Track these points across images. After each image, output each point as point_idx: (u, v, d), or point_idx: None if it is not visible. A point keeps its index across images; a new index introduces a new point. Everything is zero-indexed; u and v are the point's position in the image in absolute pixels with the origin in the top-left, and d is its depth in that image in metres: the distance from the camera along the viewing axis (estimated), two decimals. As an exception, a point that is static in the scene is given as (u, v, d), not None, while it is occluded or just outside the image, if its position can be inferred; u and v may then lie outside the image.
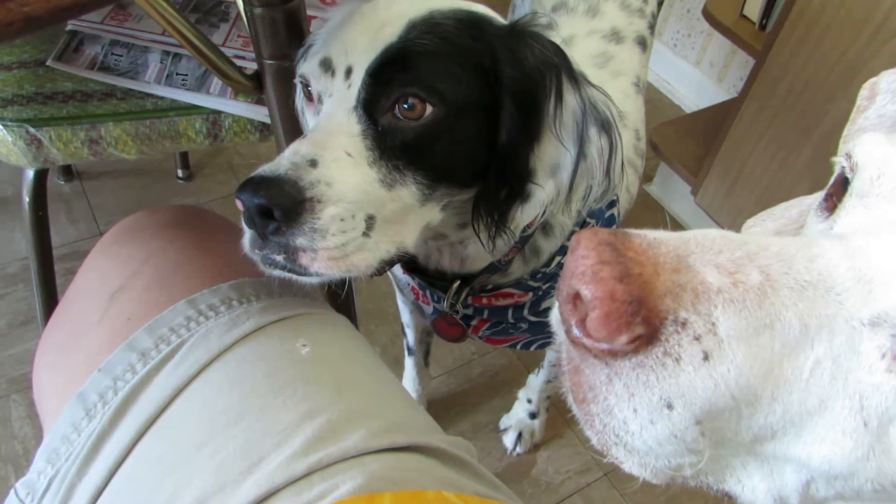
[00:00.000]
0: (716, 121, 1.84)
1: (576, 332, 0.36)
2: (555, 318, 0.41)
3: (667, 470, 0.39)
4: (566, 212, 0.77)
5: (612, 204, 0.95)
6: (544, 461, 1.58)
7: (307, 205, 0.61)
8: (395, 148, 0.67)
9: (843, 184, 0.45)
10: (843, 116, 0.57)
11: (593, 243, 0.35)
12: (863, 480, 0.37)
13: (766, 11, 1.73)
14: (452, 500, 0.52)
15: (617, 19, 1.19)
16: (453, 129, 0.68)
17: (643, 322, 0.34)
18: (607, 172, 0.75)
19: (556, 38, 0.74)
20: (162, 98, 1.11)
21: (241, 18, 1.22)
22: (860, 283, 0.36)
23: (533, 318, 0.96)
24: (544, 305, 0.95)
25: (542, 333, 1.00)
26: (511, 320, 0.96)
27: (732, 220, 1.80)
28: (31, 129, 1.03)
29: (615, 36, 1.18)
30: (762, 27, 1.75)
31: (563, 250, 0.89)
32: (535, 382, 1.50)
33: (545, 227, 0.87)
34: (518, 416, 1.56)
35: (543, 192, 0.73)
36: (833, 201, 0.46)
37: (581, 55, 1.15)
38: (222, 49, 1.16)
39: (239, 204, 0.62)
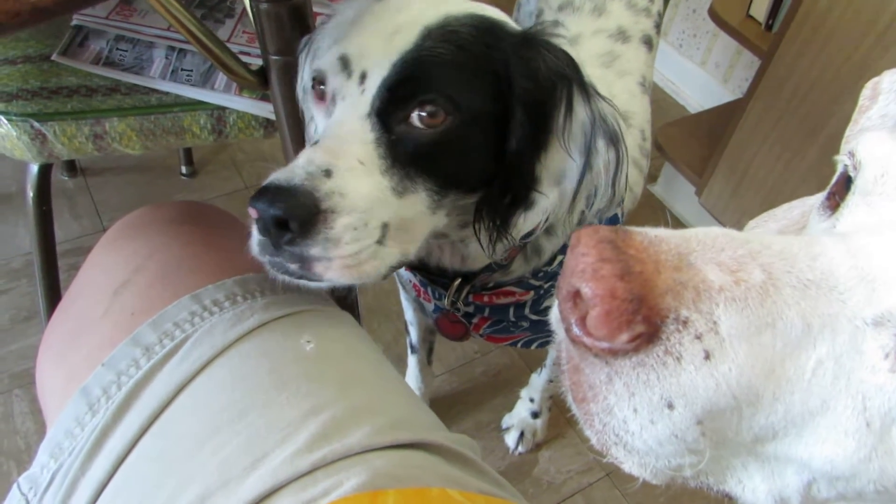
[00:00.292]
0: (721, 121, 1.84)
1: (576, 330, 0.35)
2: (554, 316, 0.40)
3: (667, 470, 0.39)
4: (567, 221, 0.77)
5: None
6: (546, 461, 1.57)
7: (322, 216, 0.61)
8: (407, 156, 0.67)
9: (846, 182, 0.45)
10: (849, 118, 0.57)
11: (594, 240, 0.35)
12: (865, 481, 0.36)
13: (773, 12, 1.72)
14: (456, 498, 0.52)
15: (623, 18, 1.18)
16: (466, 138, 0.69)
17: (644, 320, 0.34)
18: (612, 184, 0.75)
19: (563, 37, 0.74)
20: (166, 93, 1.11)
21: (247, 14, 1.22)
22: (863, 283, 0.36)
23: (534, 317, 0.96)
24: (545, 304, 0.94)
25: (542, 332, 1.00)
26: (512, 318, 0.96)
27: (737, 222, 1.79)
28: (36, 124, 1.03)
29: (621, 35, 1.17)
30: (768, 27, 1.75)
31: (564, 249, 0.89)
32: (537, 381, 1.50)
33: (548, 228, 0.87)
34: (520, 415, 1.56)
35: (547, 201, 0.73)
36: (835, 200, 0.46)
37: (587, 54, 1.14)
38: (227, 45, 1.16)
39: (253, 212, 0.61)
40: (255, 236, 0.64)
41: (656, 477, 0.39)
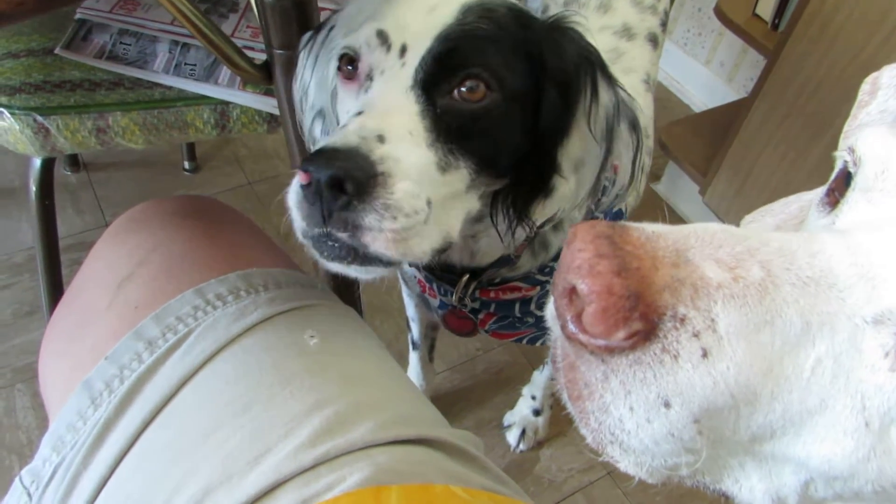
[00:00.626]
0: (725, 120, 1.83)
1: (571, 327, 0.35)
2: (550, 313, 0.40)
3: (663, 469, 0.38)
4: (574, 216, 0.77)
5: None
6: (547, 458, 1.57)
7: (380, 179, 0.59)
8: (450, 130, 0.66)
9: (846, 179, 0.44)
10: (854, 118, 0.56)
11: (590, 236, 0.34)
12: (863, 481, 0.36)
13: (779, 10, 1.72)
14: (459, 494, 0.52)
15: (629, 16, 1.18)
16: (506, 115, 0.68)
17: (641, 318, 0.33)
18: (632, 168, 0.75)
19: (584, 25, 0.74)
20: (170, 88, 1.11)
21: (251, 9, 1.22)
22: (863, 280, 0.35)
23: (539, 313, 0.95)
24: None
25: (548, 328, 0.99)
26: (518, 314, 0.96)
27: (740, 221, 1.79)
28: (39, 118, 1.03)
29: (626, 32, 1.17)
30: (774, 26, 1.74)
31: None
32: (539, 379, 1.50)
33: (555, 222, 0.87)
34: (522, 412, 1.56)
35: (566, 187, 0.73)
36: (835, 196, 0.45)
37: None
38: (232, 39, 1.16)
39: (304, 177, 0.58)
40: (301, 209, 0.60)
41: (652, 476, 0.39)
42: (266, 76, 0.90)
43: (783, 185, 1.63)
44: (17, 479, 0.61)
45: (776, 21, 1.73)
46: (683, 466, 0.38)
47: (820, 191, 0.48)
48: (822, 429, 0.35)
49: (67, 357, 0.68)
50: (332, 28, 0.77)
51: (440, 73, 0.65)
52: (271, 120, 1.15)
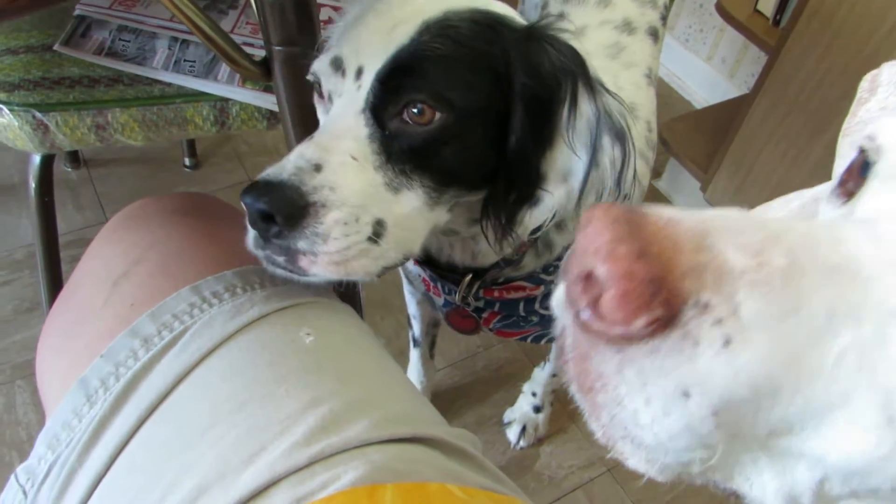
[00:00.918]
0: (726, 117, 1.83)
1: (586, 315, 0.33)
2: (558, 300, 0.38)
3: (675, 466, 0.36)
4: (573, 218, 0.77)
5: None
6: (547, 455, 1.57)
7: (310, 209, 0.61)
8: (402, 152, 0.66)
9: (861, 168, 0.43)
10: (857, 115, 0.56)
11: (609, 219, 0.32)
12: (882, 479, 0.34)
13: (781, 7, 1.71)
14: (455, 493, 0.52)
15: (629, 10, 1.18)
16: (462, 135, 0.68)
17: (663, 304, 0.31)
18: (618, 182, 0.74)
19: (568, 31, 0.73)
20: (169, 84, 1.11)
21: (251, 5, 1.22)
22: (890, 270, 0.33)
23: (544, 312, 0.95)
24: None
25: (552, 327, 0.99)
26: (522, 313, 0.96)
27: (741, 217, 1.78)
28: (38, 114, 1.03)
29: (627, 27, 1.17)
30: (776, 23, 1.74)
31: None
32: (540, 376, 1.50)
33: (558, 222, 0.86)
34: (522, 409, 1.56)
35: (553, 198, 0.73)
36: (848, 187, 0.44)
37: (593, 46, 1.14)
38: (231, 36, 1.15)
39: (243, 206, 0.62)
40: (250, 231, 0.65)
41: (663, 473, 0.37)
42: (265, 73, 0.90)
43: (784, 182, 1.63)
44: (12, 477, 0.61)
45: (777, 17, 1.72)
46: (697, 463, 0.36)
47: (823, 187, 0.47)
48: (842, 424, 0.34)
49: (64, 354, 0.68)
50: (331, 33, 0.78)
51: (386, 96, 0.66)
52: (271, 116, 1.14)
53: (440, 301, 0.99)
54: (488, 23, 0.69)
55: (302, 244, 0.62)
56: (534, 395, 1.53)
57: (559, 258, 0.89)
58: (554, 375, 1.46)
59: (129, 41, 1.14)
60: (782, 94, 1.56)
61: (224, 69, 1.13)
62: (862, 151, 0.43)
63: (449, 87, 0.66)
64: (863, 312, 0.33)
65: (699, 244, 0.32)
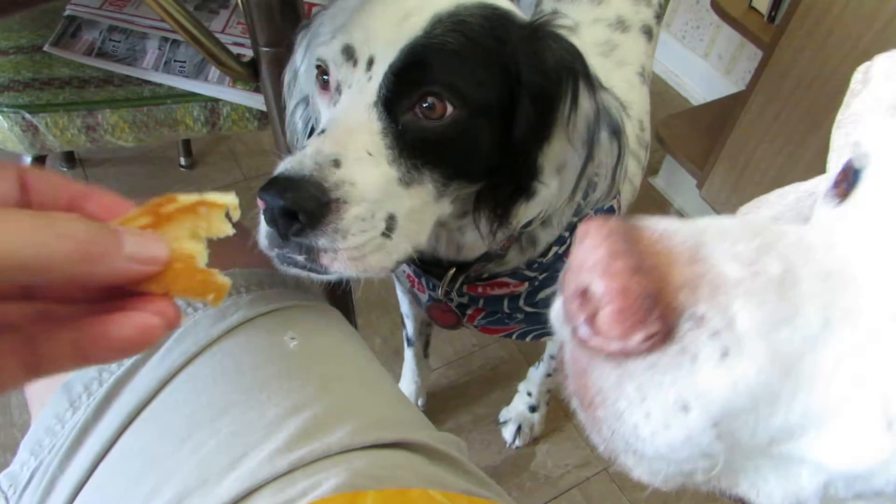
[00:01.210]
0: (722, 114, 1.82)
1: (583, 330, 0.33)
2: (556, 315, 0.37)
3: (678, 476, 0.37)
4: (563, 212, 0.77)
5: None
6: (543, 454, 1.57)
7: (332, 206, 0.60)
8: (414, 147, 0.66)
9: (853, 170, 0.43)
10: (851, 111, 0.56)
11: (604, 233, 0.33)
12: (884, 482, 0.34)
13: (776, 3, 1.70)
14: (438, 499, 0.51)
15: (623, 8, 1.17)
16: (472, 130, 0.68)
17: (659, 318, 0.31)
18: (613, 176, 0.75)
19: (569, 28, 0.73)
20: (159, 85, 1.10)
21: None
22: (884, 274, 0.33)
23: (529, 309, 0.95)
24: (540, 296, 0.94)
25: (537, 324, 0.99)
26: (507, 310, 0.95)
27: (736, 213, 1.78)
28: (28, 116, 1.02)
29: (620, 24, 1.16)
30: (771, 19, 1.73)
31: (560, 241, 0.88)
32: (535, 375, 1.49)
33: (543, 218, 0.86)
34: (518, 408, 1.56)
35: (548, 191, 0.73)
36: (843, 188, 0.44)
37: (586, 43, 1.13)
38: (222, 36, 1.15)
39: (261, 203, 0.60)
40: (263, 228, 0.63)
41: (667, 484, 0.37)
42: (253, 74, 0.90)
43: (780, 179, 1.62)
44: (-6, 483, 0.61)
45: (772, 14, 1.71)
46: (700, 472, 0.36)
47: (817, 181, 0.46)
48: (843, 429, 0.34)
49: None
50: (322, 18, 0.76)
51: (400, 89, 0.65)
52: (262, 116, 1.14)
53: (424, 297, 0.98)
54: (497, 19, 0.69)
55: (323, 241, 0.61)
56: (529, 394, 1.53)
57: (543, 254, 0.88)
58: (549, 375, 1.46)
59: (119, 41, 1.14)
60: (777, 90, 1.55)
61: (215, 69, 1.12)
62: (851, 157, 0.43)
63: (463, 83, 0.65)
64: (859, 318, 0.33)
65: (694, 256, 0.33)
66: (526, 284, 0.91)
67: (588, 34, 1.14)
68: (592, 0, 1.17)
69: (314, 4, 1.23)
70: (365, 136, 0.64)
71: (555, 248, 0.89)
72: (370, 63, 0.66)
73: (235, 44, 1.13)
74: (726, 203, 1.80)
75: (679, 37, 2.41)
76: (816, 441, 0.34)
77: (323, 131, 0.65)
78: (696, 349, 0.32)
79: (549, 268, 0.90)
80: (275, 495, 0.50)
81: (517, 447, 1.56)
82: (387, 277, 1.46)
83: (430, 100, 0.65)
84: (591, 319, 0.33)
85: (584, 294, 0.33)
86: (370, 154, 0.64)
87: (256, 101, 1.11)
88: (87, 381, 0.60)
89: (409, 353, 1.48)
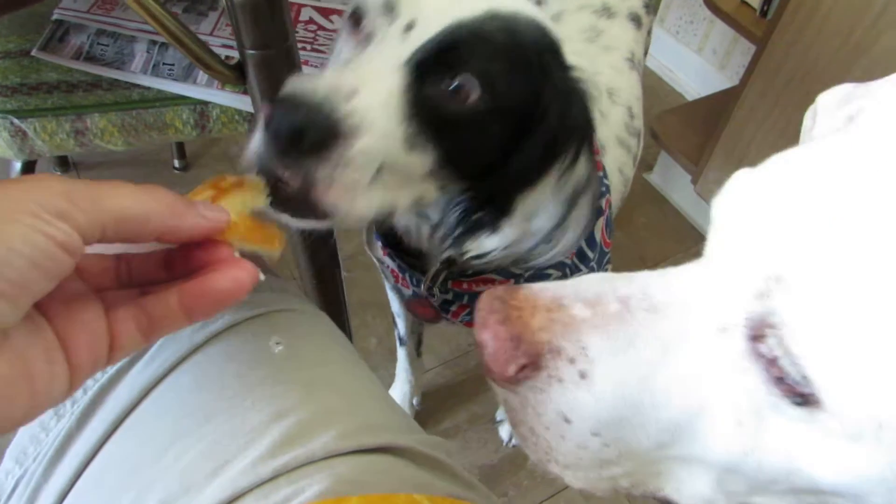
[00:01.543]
0: (716, 109, 1.82)
1: (488, 368, 0.43)
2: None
3: (600, 481, 0.44)
4: (519, 256, 0.79)
5: (601, 194, 0.94)
6: (540, 453, 1.56)
7: (341, 133, 0.57)
8: (426, 120, 0.64)
9: None
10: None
11: (488, 299, 0.43)
12: (751, 474, 0.40)
13: (768, -3, 1.70)
14: (422, 503, 0.51)
15: None
16: (487, 126, 0.67)
17: (525, 354, 0.41)
18: (575, 239, 0.77)
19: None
20: (148, 88, 1.10)
21: (229, 7, 1.21)
22: (707, 300, 0.40)
23: None
24: None
25: None
26: None
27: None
28: (16, 121, 1.02)
29: (606, 11, 1.16)
30: (763, 14, 1.73)
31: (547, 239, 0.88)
32: (531, 374, 1.49)
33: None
34: (514, 407, 1.55)
35: (511, 232, 0.73)
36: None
37: (570, 29, 1.13)
38: (210, 38, 1.15)
39: (266, 112, 0.57)
40: (259, 136, 0.59)
41: (597, 488, 0.45)
42: (240, 76, 0.89)
43: (775, 174, 1.61)
44: (-21, 493, 0.60)
45: (764, 8, 1.71)
46: (620, 478, 0.44)
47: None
48: (708, 429, 0.40)
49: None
50: None
51: (437, 59, 0.62)
52: (252, 118, 1.13)
53: (408, 292, 0.98)
54: (547, 46, 0.69)
55: (323, 170, 0.58)
56: (525, 392, 1.52)
57: (531, 248, 0.88)
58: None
59: (107, 45, 1.13)
60: (770, 85, 1.55)
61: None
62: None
63: (500, 79, 0.64)
64: (691, 336, 0.40)
65: (553, 304, 0.42)
66: (511, 281, 0.91)
67: (573, 20, 1.14)
68: None
69: (302, 5, 1.23)
70: (386, 83, 0.62)
71: (541, 246, 0.89)
72: (410, 26, 0.64)
73: (224, 46, 1.13)
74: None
75: (673, 32, 2.40)
76: (693, 442, 0.41)
77: (344, 65, 0.63)
78: (559, 373, 0.41)
79: (533, 266, 0.90)
80: (258, 502, 0.50)
81: (514, 446, 1.56)
82: (379, 277, 1.46)
83: (460, 82, 0.63)
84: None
85: (481, 343, 0.43)
86: (386, 101, 0.61)
87: (246, 104, 1.11)
88: (71, 388, 0.59)
89: (401, 353, 1.48)
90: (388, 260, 0.97)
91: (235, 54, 0.90)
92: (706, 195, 1.84)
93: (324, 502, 0.49)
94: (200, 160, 2.02)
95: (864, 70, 1.34)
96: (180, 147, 1.96)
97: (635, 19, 1.19)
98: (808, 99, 1.59)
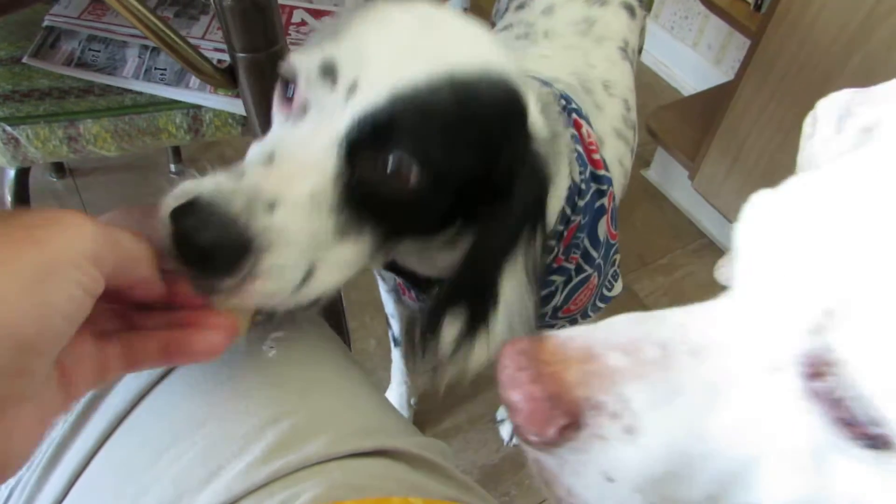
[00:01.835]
0: (712, 104, 1.81)
1: (521, 431, 0.40)
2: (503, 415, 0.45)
3: None
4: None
5: (602, 193, 0.93)
6: (541, 452, 1.56)
7: (253, 249, 0.51)
8: (362, 201, 0.57)
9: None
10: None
11: (512, 353, 0.40)
12: None
13: (762, -9, 1.70)
14: (418, 506, 0.51)
15: None
16: (429, 205, 0.61)
17: (564, 413, 0.38)
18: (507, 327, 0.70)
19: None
20: (141, 93, 1.09)
21: (220, 10, 1.20)
22: (753, 339, 0.38)
23: None
24: None
25: None
26: None
27: (730, 204, 1.77)
28: (8, 128, 1.02)
29: (598, 0, 1.16)
30: (757, 8, 1.73)
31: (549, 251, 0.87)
32: (531, 373, 1.48)
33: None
34: (514, 407, 1.55)
35: (499, 330, 0.68)
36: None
37: (562, 22, 1.13)
38: (202, 42, 1.14)
39: (166, 221, 0.50)
40: (166, 230, 0.51)
41: None
42: (231, 80, 0.89)
43: (771, 167, 1.61)
44: (-27, 503, 0.60)
45: (759, 2, 1.71)
46: None
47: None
48: (766, 476, 0.37)
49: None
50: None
51: (372, 138, 0.55)
52: (245, 122, 1.13)
53: (414, 305, 0.98)
54: (513, 110, 0.63)
55: (228, 283, 0.51)
56: (525, 392, 1.52)
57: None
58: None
59: (99, 51, 1.13)
60: (765, 79, 1.55)
61: (195, 76, 1.11)
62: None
63: (440, 155, 0.57)
64: (740, 378, 0.37)
65: (585, 355, 0.39)
66: None
67: (564, 13, 1.14)
68: None
69: (294, 7, 1.23)
70: (315, 178, 0.55)
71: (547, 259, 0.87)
72: (352, 90, 0.56)
73: (216, 49, 1.13)
74: (718, 193, 1.79)
75: (668, 28, 2.40)
76: (749, 490, 0.38)
77: (271, 154, 0.55)
78: (602, 431, 0.38)
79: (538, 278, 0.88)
80: None
81: (515, 445, 1.56)
82: (377, 277, 1.46)
83: (395, 161, 0.56)
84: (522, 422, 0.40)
85: (511, 404, 0.40)
86: (313, 198, 0.55)
87: (239, 107, 1.10)
88: (64, 396, 0.59)
89: (396, 354, 1.47)
90: (391, 275, 0.96)
91: (227, 58, 0.90)
92: (703, 191, 1.84)
93: (318, 507, 0.49)
94: (197, 164, 2.02)
95: (859, 63, 1.34)
96: (176, 151, 1.96)
97: (629, 8, 1.19)
98: (804, 93, 1.60)
